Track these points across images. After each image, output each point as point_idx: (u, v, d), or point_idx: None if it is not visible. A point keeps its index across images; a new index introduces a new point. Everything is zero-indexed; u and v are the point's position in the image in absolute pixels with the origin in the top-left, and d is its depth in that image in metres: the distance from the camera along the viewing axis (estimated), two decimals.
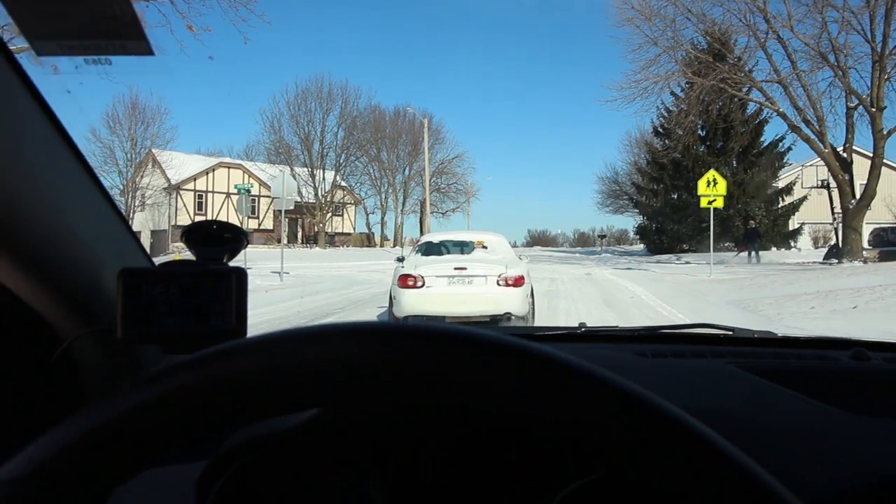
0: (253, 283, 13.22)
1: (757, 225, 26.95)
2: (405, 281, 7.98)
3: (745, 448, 0.74)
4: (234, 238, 0.94)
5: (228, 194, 43.96)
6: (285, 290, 14.23)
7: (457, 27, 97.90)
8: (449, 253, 9.13)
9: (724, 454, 0.41)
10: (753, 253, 24.60)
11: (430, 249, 9.31)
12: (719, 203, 18.26)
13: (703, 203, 18.34)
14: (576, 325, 1.67)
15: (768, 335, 1.48)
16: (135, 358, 0.97)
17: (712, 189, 18.07)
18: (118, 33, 0.73)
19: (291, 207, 18.37)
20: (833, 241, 29.89)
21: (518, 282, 7.96)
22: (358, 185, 52.13)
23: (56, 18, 0.71)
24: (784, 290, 11.46)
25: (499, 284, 7.92)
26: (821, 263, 21.93)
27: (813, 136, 20.39)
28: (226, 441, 0.68)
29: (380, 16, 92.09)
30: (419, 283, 7.95)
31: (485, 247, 9.23)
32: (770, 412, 0.89)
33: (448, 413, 0.46)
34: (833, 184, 22.11)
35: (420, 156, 43.17)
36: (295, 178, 44.75)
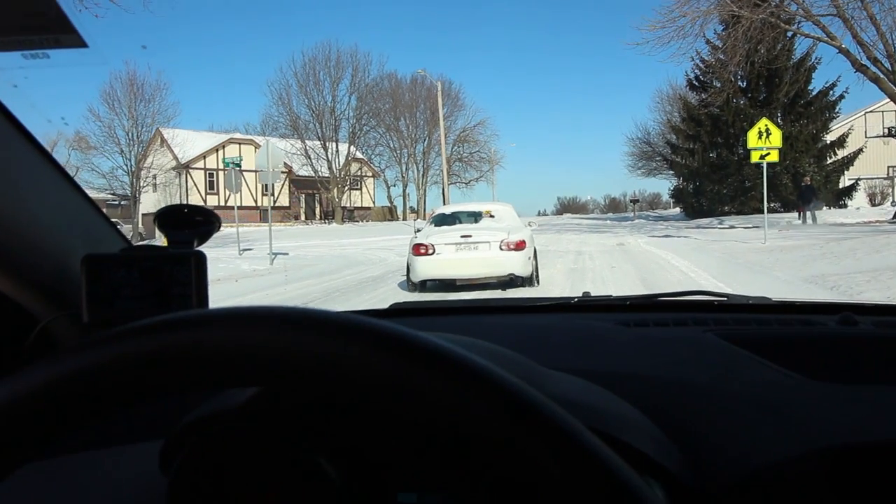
0: (238, 267, 10.90)
1: (812, 182, 24.07)
2: (418, 249, 8.80)
3: (693, 416, 0.74)
4: (205, 221, 0.94)
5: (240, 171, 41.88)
6: (262, 279, 12.13)
7: None
8: (460, 223, 9.73)
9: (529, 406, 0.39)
10: (809, 213, 21.83)
11: (442, 220, 10.09)
12: (774, 157, 15.66)
13: (755, 157, 15.78)
14: None
15: (763, 301, 1.43)
16: None
17: (765, 141, 15.45)
18: (48, 28, 0.79)
19: (280, 180, 16.23)
20: None
21: (519, 246, 8.69)
22: (377, 156, 49.85)
23: None
24: (876, 262, 8.95)
25: (501, 249, 8.63)
26: (890, 222, 19.14)
27: (882, 76, 17.44)
28: (184, 418, 0.68)
29: None
30: (430, 251, 8.72)
31: (492, 216, 9.85)
32: (733, 381, 0.87)
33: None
34: None
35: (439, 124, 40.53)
36: (307, 152, 42.74)
